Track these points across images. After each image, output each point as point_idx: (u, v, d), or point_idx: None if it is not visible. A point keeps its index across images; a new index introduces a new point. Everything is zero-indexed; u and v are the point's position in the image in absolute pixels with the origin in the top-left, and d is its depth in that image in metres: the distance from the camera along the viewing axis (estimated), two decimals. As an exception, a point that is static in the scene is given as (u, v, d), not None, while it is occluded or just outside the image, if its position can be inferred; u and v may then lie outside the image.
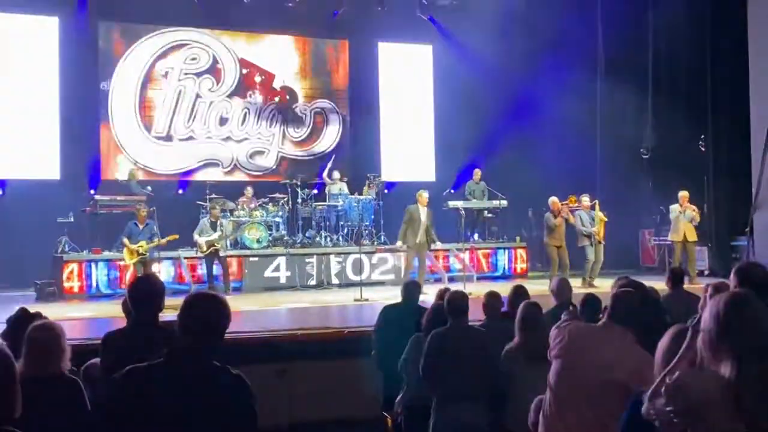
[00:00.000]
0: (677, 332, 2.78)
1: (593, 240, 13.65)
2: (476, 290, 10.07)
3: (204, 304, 3.01)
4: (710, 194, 15.74)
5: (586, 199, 13.94)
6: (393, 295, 12.33)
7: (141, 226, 12.46)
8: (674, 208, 14.00)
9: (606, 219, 13.97)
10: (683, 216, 13.77)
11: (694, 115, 15.88)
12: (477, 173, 16.52)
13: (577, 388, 3.78)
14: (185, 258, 13.75)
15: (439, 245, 13.73)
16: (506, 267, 16.09)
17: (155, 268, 12.72)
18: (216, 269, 13.20)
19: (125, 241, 12.39)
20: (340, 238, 15.46)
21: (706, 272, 15.19)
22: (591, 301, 5.36)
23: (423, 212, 13.07)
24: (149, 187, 14.97)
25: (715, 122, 15.87)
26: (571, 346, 3.87)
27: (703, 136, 15.89)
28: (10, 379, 3.01)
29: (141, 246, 12.33)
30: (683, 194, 13.96)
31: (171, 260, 13.71)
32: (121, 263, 13.13)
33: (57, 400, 3.84)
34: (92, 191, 14.75)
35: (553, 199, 13.77)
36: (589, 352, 3.82)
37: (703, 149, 15.89)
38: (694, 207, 13.89)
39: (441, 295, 6.30)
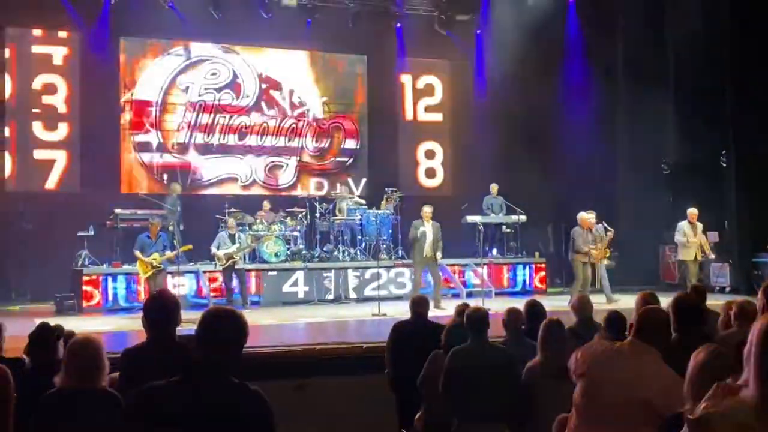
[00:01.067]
0: (710, 352, 2.73)
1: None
2: (495, 306, 10.00)
3: (222, 320, 2.98)
4: (732, 210, 15.59)
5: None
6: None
7: (153, 239, 12.47)
8: (684, 225, 13.75)
9: (609, 238, 13.66)
10: (696, 235, 13.55)
11: (716, 129, 15.77)
12: (494, 187, 16.45)
13: (603, 407, 3.71)
14: (204, 271, 13.78)
15: (438, 257, 13.53)
16: (525, 282, 16.00)
17: (174, 281, 12.75)
18: (234, 283, 13.22)
19: (137, 254, 12.40)
20: (358, 253, 15.44)
21: (728, 289, 15.04)
22: (615, 318, 5.29)
23: (428, 227, 13.09)
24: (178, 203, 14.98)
25: (736, 136, 15.73)
26: (596, 364, 3.81)
27: (724, 151, 15.76)
28: (5, 399, 3.01)
29: (155, 258, 12.34)
30: (694, 211, 13.77)
31: (192, 273, 13.75)
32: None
33: (97, 415, 3.83)
34: (112, 205, 14.82)
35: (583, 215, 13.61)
36: (614, 371, 3.75)
37: (724, 164, 15.76)
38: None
39: (460, 311, 6.23)
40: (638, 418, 3.58)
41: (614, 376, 3.71)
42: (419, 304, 7.05)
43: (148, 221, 13.01)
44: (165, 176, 16.61)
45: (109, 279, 13.39)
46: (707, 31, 15.88)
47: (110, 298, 13.35)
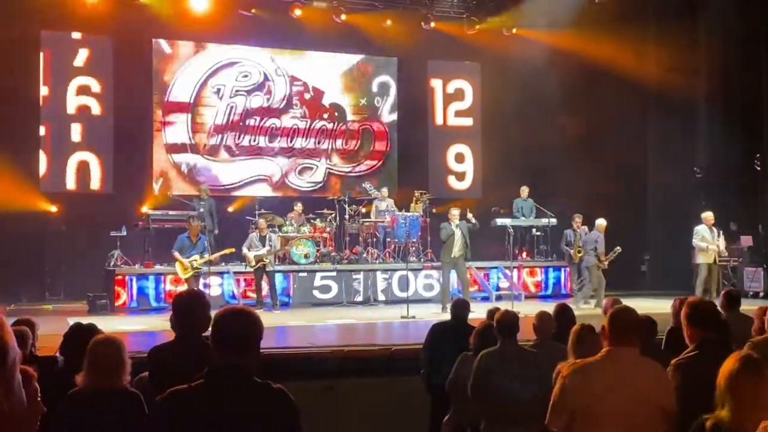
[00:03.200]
0: (746, 361, 2.70)
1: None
2: (524, 309, 9.94)
3: (235, 320, 2.94)
4: (765, 214, 15.37)
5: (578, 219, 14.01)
6: (439, 313, 12.32)
7: (193, 240, 12.51)
8: (702, 229, 13.57)
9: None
10: (714, 239, 13.39)
11: (749, 133, 15.56)
12: (524, 190, 16.36)
13: (618, 414, 3.64)
14: (234, 272, 13.87)
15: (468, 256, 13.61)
16: (555, 286, 15.89)
17: (205, 281, 12.80)
18: (264, 284, 13.28)
19: (176, 255, 12.42)
20: (387, 255, 15.44)
21: (761, 294, 14.85)
22: (646, 322, 5.23)
23: (457, 229, 13.08)
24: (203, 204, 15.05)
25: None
26: (585, 395, 3.68)
27: (758, 155, 15.54)
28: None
29: (195, 260, 12.36)
30: (710, 215, 13.59)
31: (226, 274, 13.86)
32: (171, 277, 13.29)
33: (119, 414, 3.86)
34: (144, 206, 14.96)
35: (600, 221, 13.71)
36: (612, 391, 3.65)
37: (758, 167, 15.54)
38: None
39: (491, 314, 6.20)
40: (652, 423, 3.57)
41: (614, 396, 3.61)
42: (460, 307, 7.07)
43: (188, 222, 12.98)
44: (198, 178, 16.74)
45: (143, 279, 13.51)
46: (740, 33, 15.65)
47: (144, 298, 13.46)
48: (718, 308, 4.79)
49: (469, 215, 13.85)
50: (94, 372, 3.98)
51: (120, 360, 4.05)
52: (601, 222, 13.78)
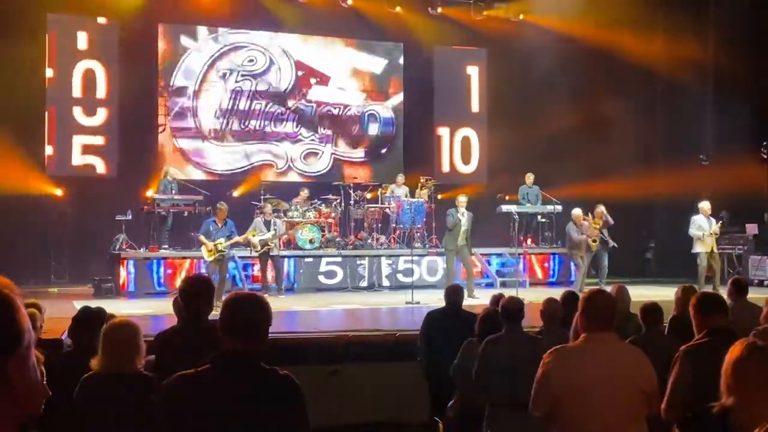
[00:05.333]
0: (752, 349, 2.69)
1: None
2: (529, 296, 9.94)
3: (244, 306, 2.93)
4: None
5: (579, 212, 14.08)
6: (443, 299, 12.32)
7: (220, 225, 12.33)
8: (699, 219, 13.55)
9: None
10: (711, 228, 13.37)
11: (757, 121, 15.48)
12: (529, 177, 16.22)
13: (600, 399, 3.65)
14: (239, 257, 13.87)
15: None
16: (562, 273, 15.88)
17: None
18: (269, 269, 13.29)
19: (202, 238, 12.24)
20: (392, 241, 15.44)
21: (766, 282, 14.83)
22: (652, 309, 5.23)
23: (463, 216, 13.03)
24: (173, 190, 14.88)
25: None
26: (567, 387, 3.68)
27: (765, 143, 15.48)
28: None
29: (219, 243, 12.30)
30: (707, 205, 13.57)
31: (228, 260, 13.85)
32: (179, 261, 13.35)
33: (135, 397, 3.86)
34: (149, 190, 14.95)
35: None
36: (596, 378, 3.65)
37: (765, 156, 15.48)
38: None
39: (496, 300, 6.21)
40: (634, 407, 3.59)
41: (596, 381, 3.61)
42: (455, 293, 7.04)
43: (216, 207, 12.74)
44: (203, 161, 16.74)
45: (149, 263, 13.54)
46: (749, 20, 15.56)
47: (149, 282, 13.49)
48: (724, 298, 4.79)
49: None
50: (110, 356, 3.99)
51: (136, 344, 4.06)
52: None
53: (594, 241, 13.68)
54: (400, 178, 16.25)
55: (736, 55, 16.20)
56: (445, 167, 18.99)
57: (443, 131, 19.18)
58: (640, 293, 10.33)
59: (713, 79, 16.55)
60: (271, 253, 13.24)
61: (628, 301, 6.51)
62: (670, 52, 16.78)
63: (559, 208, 15.82)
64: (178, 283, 12.99)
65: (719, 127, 16.29)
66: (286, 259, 14.05)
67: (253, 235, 13.00)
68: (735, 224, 15.12)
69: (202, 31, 17.21)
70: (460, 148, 19.22)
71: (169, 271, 13.57)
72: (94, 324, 4.40)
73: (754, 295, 7.21)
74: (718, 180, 16.00)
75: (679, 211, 15.75)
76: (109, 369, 3.97)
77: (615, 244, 13.91)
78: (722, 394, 3.09)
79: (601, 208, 13.92)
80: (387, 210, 15.62)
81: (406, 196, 15.70)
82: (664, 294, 9.47)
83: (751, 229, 15.55)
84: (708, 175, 16.35)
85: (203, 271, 12.36)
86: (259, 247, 13.11)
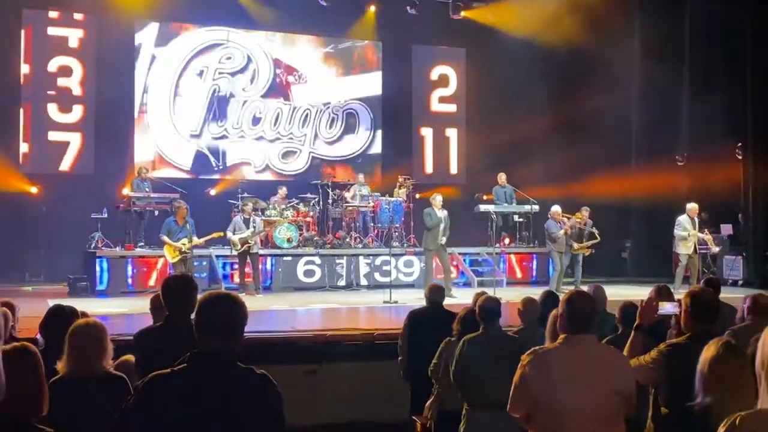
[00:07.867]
0: (726, 348, 2.72)
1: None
2: (507, 296, 9.98)
3: (219, 305, 2.92)
4: (748, 203, 15.49)
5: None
6: (422, 298, 12.33)
7: (181, 224, 12.35)
8: (683, 219, 13.67)
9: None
10: (695, 229, 13.52)
11: (732, 122, 15.62)
12: (501, 177, 16.04)
13: (578, 401, 3.66)
14: (217, 256, 13.81)
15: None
16: (538, 272, 15.93)
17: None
18: (248, 267, 13.23)
19: (165, 238, 12.27)
20: (370, 240, 15.44)
21: (740, 282, 14.98)
22: (628, 309, 5.26)
23: (441, 215, 13.07)
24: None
25: (754, 129, 15.55)
26: (548, 389, 3.65)
27: (740, 144, 15.64)
28: (38, 377, 3.00)
29: (184, 244, 12.24)
30: (694, 207, 13.70)
31: (206, 259, 13.79)
32: (152, 260, 13.23)
33: (106, 399, 3.81)
34: (125, 188, 14.83)
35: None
36: (587, 364, 3.68)
37: (740, 157, 15.64)
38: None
39: (476, 299, 6.22)
40: (614, 409, 3.61)
41: (574, 383, 3.59)
42: (435, 293, 7.05)
43: (173, 205, 12.81)
44: (180, 160, 16.64)
45: (124, 262, 13.42)
46: (726, 19, 15.69)
47: (124, 280, 13.37)
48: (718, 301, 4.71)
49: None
50: (76, 358, 3.93)
51: (102, 345, 4.01)
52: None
53: (587, 240, 13.87)
54: (361, 177, 16.28)
55: (711, 57, 16.37)
56: (425, 167, 19.01)
57: (424, 131, 19.20)
58: (617, 292, 10.43)
59: (689, 79, 16.68)
60: (250, 251, 13.18)
61: (605, 301, 6.54)
62: (645, 52, 16.90)
63: (536, 207, 15.84)
64: (152, 282, 13.03)
65: (694, 128, 16.42)
66: (263, 258, 14.00)
67: (221, 236, 12.94)
68: (710, 224, 15.25)
69: (180, 27, 17.10)
70: (434, 148, 19.23)
71: (145, 269, 13.47)
72: (66, 323, 4.34)
73: (727, 294, 7.27)
74: (693, 180, 16.16)
75: (654, 211, 15.89)
76: (78, 371, 3.90)
77: (599, 238, 14.03)
78: (698, 393, 3.12)
79: (587, 210, 14.11)
80: (364, 209, 15.60)
81: (371, 194, 15.71)
82: (641, 293, 9.53)
83: (726, 229, 15.72)
84: (683, 176, 16.51)
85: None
86: (239, 246, 13.05)
